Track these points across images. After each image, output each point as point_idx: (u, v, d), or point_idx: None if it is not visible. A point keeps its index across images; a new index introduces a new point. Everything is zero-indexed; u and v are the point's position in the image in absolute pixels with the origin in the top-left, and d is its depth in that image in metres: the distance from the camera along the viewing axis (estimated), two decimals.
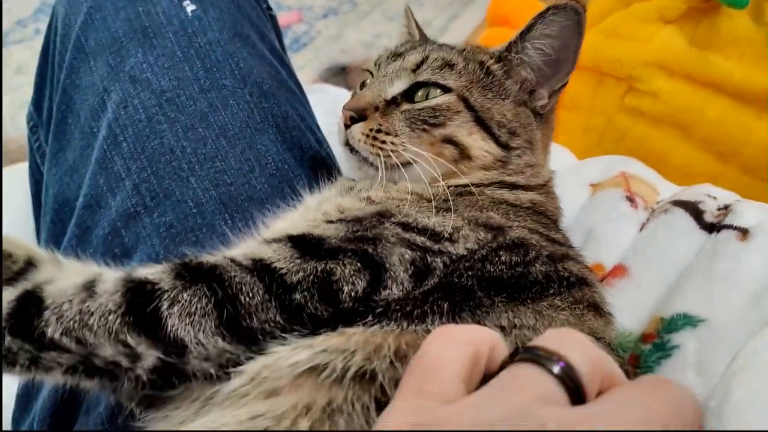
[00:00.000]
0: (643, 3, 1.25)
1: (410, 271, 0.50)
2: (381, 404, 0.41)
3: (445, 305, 0.49)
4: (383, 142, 0.67)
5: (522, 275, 0.53)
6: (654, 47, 1.22)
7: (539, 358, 0.31)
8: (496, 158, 0.69)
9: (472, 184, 0.65)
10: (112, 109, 0.74)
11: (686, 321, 0.63)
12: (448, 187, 0.63)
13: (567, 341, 0.32)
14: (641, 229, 0.79)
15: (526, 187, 0.70)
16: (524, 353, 0.32)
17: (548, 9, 0.68)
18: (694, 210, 0.75)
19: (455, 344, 0.33)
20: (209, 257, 0.52)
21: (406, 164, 0.67)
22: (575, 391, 0.30)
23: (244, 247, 0.54)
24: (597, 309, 0.57)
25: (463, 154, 0.68)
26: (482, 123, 0.69)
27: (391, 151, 0.66)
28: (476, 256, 0.54)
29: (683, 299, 0.65)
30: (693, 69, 1.19)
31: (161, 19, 0.78)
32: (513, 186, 0.68)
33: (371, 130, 0.67)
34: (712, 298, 0.63)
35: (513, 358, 0.32)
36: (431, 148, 0.67)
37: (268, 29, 0.93)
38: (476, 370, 0.33)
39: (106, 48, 0.77)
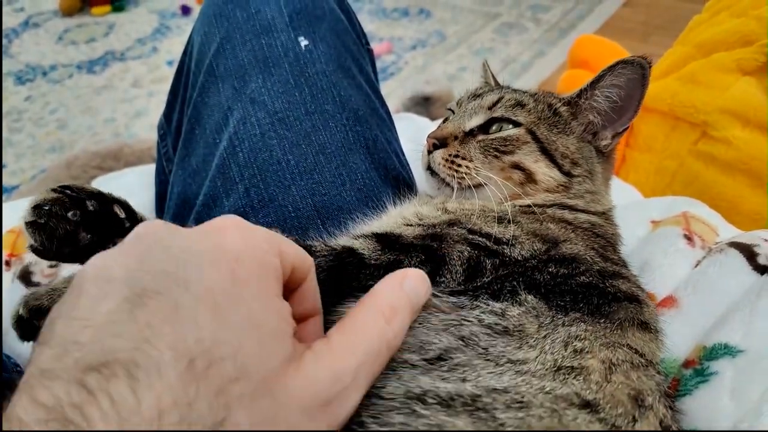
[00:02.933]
0: (723, 53, 1.29)
1: (464, 267, 0.59)
2: None
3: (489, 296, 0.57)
4: (459, 165, 0.76)
5: (561, 284, 0.60)
6: (731, 96, 1.25)
7: None
8: (559, 183, 0.77)
9: (535, 205, 0.73)
10: (233, 125, 0.85)
11: (726, 351, 0.67)
12: (513, 206, 0.71)
13: None
14: (696, 266, 0.84)
15: (585, 211, 0.76)
16: None
17: (618, 63, 0.77)
18: (748, 252, 0.79)
19: None
20: (309, 241, 0.62)
21: (478, 186, 0.76)
22: None
23: (337, 240, 0.65)
24: (645, 326, 0.63)
25: (530, 178, 0.77)
26: (547, 153, 0.78)
27: (465, 174, 0.75)
28: (527, 264, 0.61)
29: (726, 331, 0.69)
30: None
31: (279, 52, 0.89)
32: (572, 208, 0.76)
33: (450, 155, 0.77)
34: (753, 332, 0.67)
35: None
36: (501, 173, 0.76)
37: (365, 62, 1.03)
38: None
39: (232, 73, 0.89)
